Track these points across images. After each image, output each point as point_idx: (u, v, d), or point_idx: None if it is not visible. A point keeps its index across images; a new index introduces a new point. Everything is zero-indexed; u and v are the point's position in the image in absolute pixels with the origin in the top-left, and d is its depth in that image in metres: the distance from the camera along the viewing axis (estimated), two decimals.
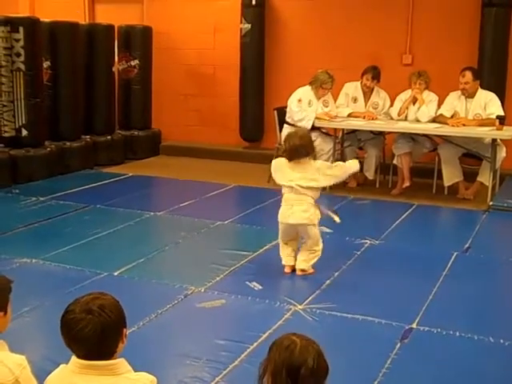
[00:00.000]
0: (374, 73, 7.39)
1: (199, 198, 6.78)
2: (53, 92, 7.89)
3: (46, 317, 3.79)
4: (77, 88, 8.13)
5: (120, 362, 2.02)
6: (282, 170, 4.56)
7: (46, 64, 7.77)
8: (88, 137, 8.33)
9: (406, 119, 7.26)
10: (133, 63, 8.96)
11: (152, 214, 6.15)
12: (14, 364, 2.06)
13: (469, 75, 6.89)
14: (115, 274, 4.51)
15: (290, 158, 4.50)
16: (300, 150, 4.45)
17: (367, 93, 7.53)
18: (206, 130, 9.46)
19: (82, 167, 8.04)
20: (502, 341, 3.61)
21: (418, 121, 7.14)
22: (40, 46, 7.49)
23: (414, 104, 7.22)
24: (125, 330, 2.05)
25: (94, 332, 1.94)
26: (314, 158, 4.57)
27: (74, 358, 2.01)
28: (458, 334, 3.69)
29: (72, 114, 8.08)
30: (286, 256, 4.66)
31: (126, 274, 4.53)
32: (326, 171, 4.54)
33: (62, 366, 2.07)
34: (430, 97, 7.18)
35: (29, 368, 2.11)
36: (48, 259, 4.75)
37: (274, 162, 4.70)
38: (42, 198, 6.52)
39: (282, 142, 4.81)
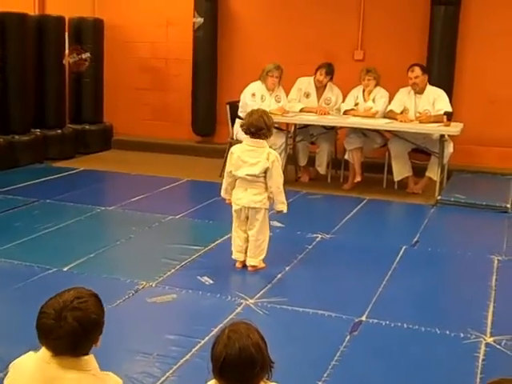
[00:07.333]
0: (328, 68, 7.44)
1: (151, 193, 6.75)
2: (1, 84, 7.72)
3: None
4: (26, 80, 7.99)
5: (89, 358, 2.02)
6: (237, 159, 4.50)
7: None
8: (38, 130, 8.18)
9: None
10: (84, 56, 8.83)
11: (103, 208, 6.10)
12: None
13: (417, 70, 7.03)
14: (64, 269, 4.45)
15: (247, 133, 4.48)
16: (258, 129, 4.41)
17: (320, 88, 7.57)
18: (158, 124, 9.41)
19: (32, 161, 7.90)
20: (447, 332, 3.70)
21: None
22: None
23: (365, 101, 7.30)
24: (100, 335, 2.04)
25: (68, 343, 1.93)
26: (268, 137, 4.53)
27: (44, 350, 1.99)
28: (405, 325, 3.77)
29: (21, 106, 7.93)
30: (236, 252, 4.66)
31: (76, 269, 4.47)
32: (272, 171, 4.45)
33: (30, 353, 2.06)
34: (380, 93, 7.27)
35: None
36: None
37: (231, 150, 4.63)
38: None
39: (244, 117, 4.75)
